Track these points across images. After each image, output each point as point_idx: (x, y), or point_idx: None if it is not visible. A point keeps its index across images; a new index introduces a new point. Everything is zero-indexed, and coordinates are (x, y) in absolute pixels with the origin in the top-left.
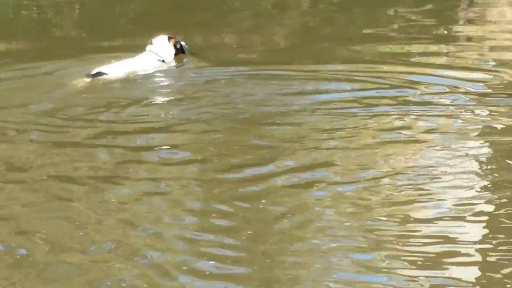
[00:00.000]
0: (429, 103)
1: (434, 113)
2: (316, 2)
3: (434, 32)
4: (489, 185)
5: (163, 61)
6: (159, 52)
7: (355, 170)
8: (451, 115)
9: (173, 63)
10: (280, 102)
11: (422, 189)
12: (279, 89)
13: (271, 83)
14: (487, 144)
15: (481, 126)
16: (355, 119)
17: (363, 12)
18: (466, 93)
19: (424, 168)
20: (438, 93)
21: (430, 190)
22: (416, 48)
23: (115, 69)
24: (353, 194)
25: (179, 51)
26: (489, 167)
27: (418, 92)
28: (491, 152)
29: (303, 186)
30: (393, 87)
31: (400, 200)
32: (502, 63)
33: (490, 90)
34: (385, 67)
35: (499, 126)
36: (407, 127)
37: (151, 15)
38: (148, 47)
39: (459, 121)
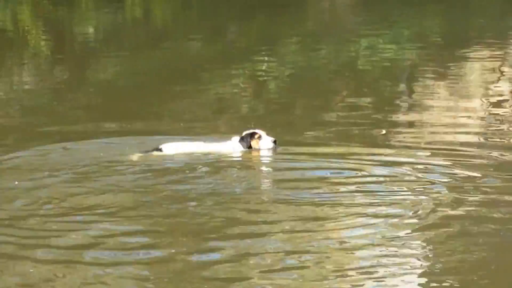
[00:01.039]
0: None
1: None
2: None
3: (375, 116)
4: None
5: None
6: (233, 142)
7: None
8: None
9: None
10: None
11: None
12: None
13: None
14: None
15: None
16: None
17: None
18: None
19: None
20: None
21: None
22: (359, 136)
23: (177, 147)
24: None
25: (245, 145)
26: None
27: (360, 175)
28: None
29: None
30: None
31: None
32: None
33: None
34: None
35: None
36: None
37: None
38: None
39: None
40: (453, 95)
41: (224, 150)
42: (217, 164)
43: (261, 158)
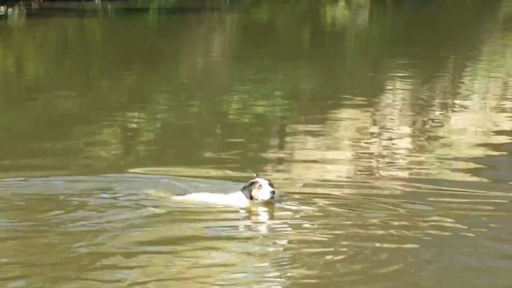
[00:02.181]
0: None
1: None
2: None
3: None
4: None
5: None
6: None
7: None
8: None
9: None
10: None
11: None
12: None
13: None
14: None
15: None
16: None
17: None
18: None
19: None
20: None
21: None
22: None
23: (194, 197)
24: None
25: (247, 195)
26: None
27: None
28: None
29: None
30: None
31: None
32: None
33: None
34: None
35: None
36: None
37: None
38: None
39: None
40: (322, 147)
41: (231, 202)
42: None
43: None
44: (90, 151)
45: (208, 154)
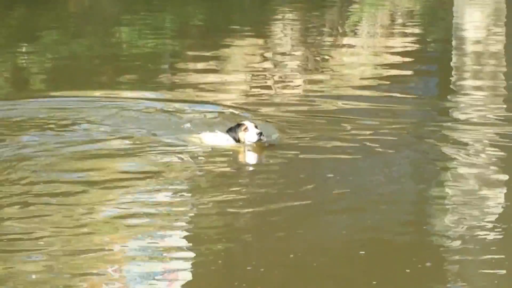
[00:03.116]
0: None
1: None
2: None
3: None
4: None
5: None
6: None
7: None
8: None
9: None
10: None
11: None
12: None
13: None
14: None
15: None
16: None
17: None
18: None
19: None
20: None
21: None
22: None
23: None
24: None
25: (235, 137)
26: None
27: None
28: None
29: None
30: None
31: None
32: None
33: None
34: None
35: None
36: None
37: None
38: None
39: None
40: (217, 73)
41: (220, 142)
42: None
43: None
44: None
45: (102, 80)
